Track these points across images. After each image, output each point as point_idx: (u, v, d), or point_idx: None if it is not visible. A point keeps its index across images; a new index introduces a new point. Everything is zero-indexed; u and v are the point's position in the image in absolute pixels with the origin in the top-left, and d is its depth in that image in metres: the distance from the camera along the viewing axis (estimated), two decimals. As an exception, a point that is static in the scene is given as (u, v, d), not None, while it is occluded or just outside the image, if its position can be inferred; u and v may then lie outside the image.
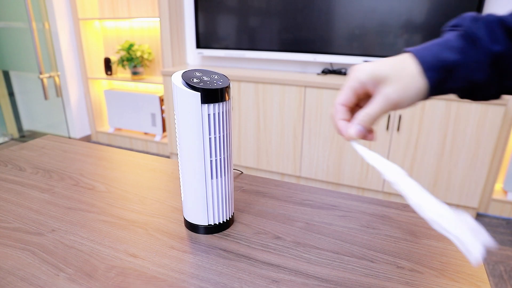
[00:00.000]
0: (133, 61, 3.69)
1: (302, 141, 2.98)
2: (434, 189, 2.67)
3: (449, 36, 0.51)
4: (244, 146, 3.22)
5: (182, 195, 0.81)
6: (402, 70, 0.52)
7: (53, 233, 0.79)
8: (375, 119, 0.54)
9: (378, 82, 0.53)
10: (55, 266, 0.69)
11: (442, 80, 0.51)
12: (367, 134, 0.56)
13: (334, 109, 0.58)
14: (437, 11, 2.58)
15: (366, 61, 0.56)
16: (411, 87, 0.51)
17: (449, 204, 2.61)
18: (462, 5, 2.50)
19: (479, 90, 0.52)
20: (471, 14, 0.51)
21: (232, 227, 0.83)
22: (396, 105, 0.53)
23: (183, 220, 0.86)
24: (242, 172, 1.11)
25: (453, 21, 0.53)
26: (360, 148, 0.57)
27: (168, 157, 3.78)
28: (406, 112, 2.58)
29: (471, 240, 0.41)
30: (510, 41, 0.48)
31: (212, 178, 0.76)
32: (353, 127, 0.55)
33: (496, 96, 0.53)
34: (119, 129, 4.26)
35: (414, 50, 0.52)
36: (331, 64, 3.14)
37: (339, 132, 0.57)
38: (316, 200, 0.96)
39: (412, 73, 0.51)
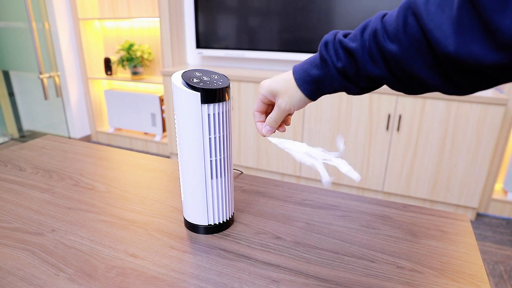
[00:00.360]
0: (133, 61, 3.69)
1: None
2: (434, 189, 2.67)
3: (316, 55, 0.67)
4: (244, 146, 3.22)
5: (182, 195, 0.81)
6: (288, 86, 0.69)
7: (53, 233, 0.80)
8: (276, 121, 0.74)
9: (274, 95, 0.71)
10: (55, 266, 0.69)
11: (314, 89, 0.68)
12: (279, 128, 0.77)
13: (253, 114, 0.79)
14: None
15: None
16: (294, 97, 0.69)
17: (449, 204, 2.61)
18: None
19: (345, 91, 0.67)
20: (327, 38, 0.65)
21: (232, 227, 0.83)
22: (288, 111, 0.72)
23: (183, 220, 0.86)
24: (242, 172, 1.11)
25: (322, 39, 0.67)
26: (273, 140, 0.79)
27: (168, 157, 3.79)
28: (406, 112, 2.58)
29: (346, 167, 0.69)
30: (348, 58, 0.62)
31: (212, 178, 0.76)
32: (264, 128, 0.76)
33: (362, 92, 0.67)
34: (119, 129, 4.25)
35: (294, 68, 0.70)
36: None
37: (258, 131, 0.78)
38: (316, 200, 0.96)
39: (293, 87, 0.69)
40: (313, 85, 0.68)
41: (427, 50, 0.51)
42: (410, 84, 0.58)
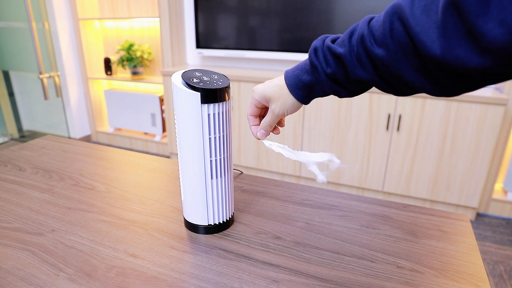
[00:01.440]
0: (133, 61, 3.69)
1: (302, 141, 2.98)
2: (434, 189, 2.67)
3: (306, 61, 0.69)
4: (244, 146, 3.22)
5: (182, 195, 0.81)
6: (280, 91, 0.71)
7: (53, 233, 0.80)
8: (271, 125, 0.76)
9: (267, 100, 0.73)
10: (55, 266, 0.69)
11: (306, 94, 0.70)
12: (273, 131, 0.80)
13: (247, 118, 0.80)
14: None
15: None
16: (287, 102, 0.71)
17: (449, 204, 2.61)
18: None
19: (336, 95, 0.68)
20: (316, 44, 0.66)
21: (232, 227, 0.83)
22: (282, 115, 0.73)
23: (183, 220, 0.86)
24: (242, 172, 1.11)
25: (311, 45, 0.68)
26: (267, 143, 0.79)
27: (168, 157, 3.78)
28: (406, 112, 2.58)
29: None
30: (337, 63, 0.63)
31: (212, 178, 0.76)
32: (259, 132, 0.79)
33: (353, 95, 0.68)
34: (119, 129, 4.25)
35: (286, 73, 0.71)
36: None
37: (253, 134, 0.80)
38: (316, 200, 0.96)
39: (286, 92, 0.70)
40: (305, 90, 0.69)
41: (413, 54, 0.52)
42: (399, 86, 0.59)
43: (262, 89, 0.73)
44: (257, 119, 0.80)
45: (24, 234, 0.79)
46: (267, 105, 0.75)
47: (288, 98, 0.71)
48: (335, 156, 0.72)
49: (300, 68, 0.69)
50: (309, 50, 0.67)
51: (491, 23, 0.40)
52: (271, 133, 0.80)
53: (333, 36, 0.66)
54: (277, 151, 0.77)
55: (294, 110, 0.73)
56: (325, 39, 0.66)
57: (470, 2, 0.42)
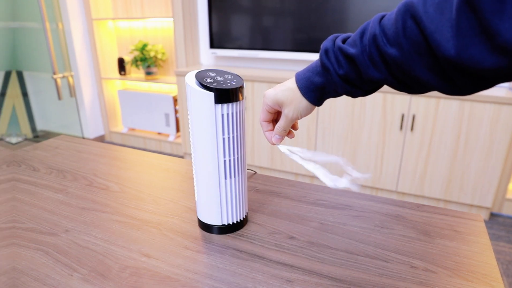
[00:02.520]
0: (146, 61, 3.70)
1: (316, 141, 2.97)
2: (447, 188, 2.64)
3: (317, 62, 0.68)
4: (258, 146, 3.22)
5: (195, 195, 0.81)
6: (293, 95, 0.70)
7: (67, 233, 0.80)
8: (285, 129, 0.76)
9: (280, 105, 0.72)
10: (69, 266, 0.69)
11: (319, 96, 0.70)
12: (288, 135, 0.79)
13: (261, 125, 0.80)
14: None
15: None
16: (300, 106, 0.71)
17: (463, 204, 2.59)
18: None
19: (349, 95, 0.68)
20: (326, 45, 0.65)
21: (246, 227, 0.83)
22: (296, 119, 0.73)
23: (196, 220, 0.86)
24: (255, 172, 1.11)
25: (321, 46, 0.67)
26: (282, 148, 0.79)
27: (181, 157, 3.80)
28: (420, 112, 2.56)
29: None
30: (349, 64, 0.62)
31: (225, 178, 0.76)
32: (274, 137, 0.78)
33: (366, 94, 0.68)
34: (133, 129, 4.28)
35: (297, 76, 0.70)
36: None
37: (268, 140, 0.79)
38: (330, 200, 0.96)
39: (298, 96, 0.70)
40: (318, 92, 0.69)
41: (427, 53, 0.51)
42: (412, 85, 0.59)
43: (274, 94, 0.72)
44: (271, 125, 0.79)
45: (38, 234, 0.80)
46: (279, 109, 0.74)
47: (301, 101, 0.70)
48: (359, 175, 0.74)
49: (311, 70, 0.69)
50: (320, 52, 0.66)
51: (507, 22, 0.39)
52: (285, 137, 0.79)
53: (343, 35, 0.65)
54: (290, 157, 0.77)
55: (308, 112, 0.72)
56: (335, 39, 0.65)
57: (485, 0, 0.40)
